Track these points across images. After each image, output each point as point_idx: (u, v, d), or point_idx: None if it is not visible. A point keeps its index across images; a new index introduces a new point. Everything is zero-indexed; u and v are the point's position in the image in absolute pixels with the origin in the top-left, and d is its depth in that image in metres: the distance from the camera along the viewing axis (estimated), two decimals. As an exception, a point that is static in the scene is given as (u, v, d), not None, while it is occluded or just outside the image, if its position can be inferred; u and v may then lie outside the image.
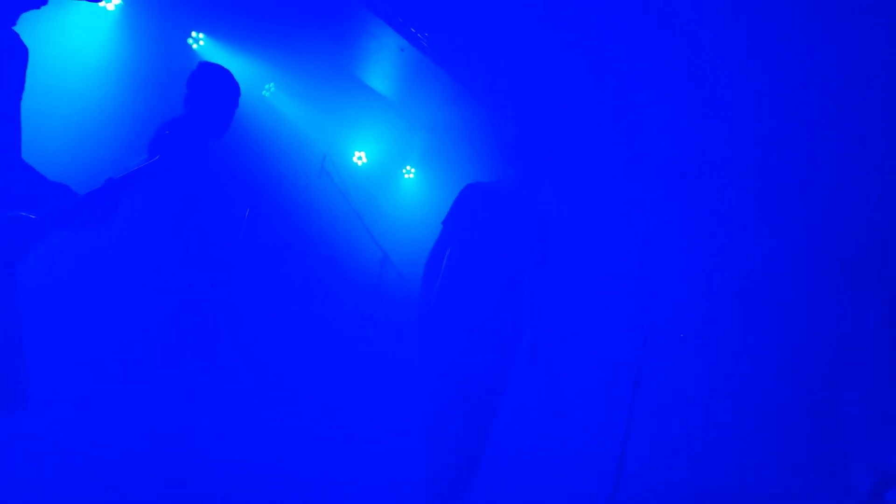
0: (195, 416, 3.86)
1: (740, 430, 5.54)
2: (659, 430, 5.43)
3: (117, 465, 3.39)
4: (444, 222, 3.82)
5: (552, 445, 5.67)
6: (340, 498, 4.08)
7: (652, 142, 5.75)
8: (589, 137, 6.13)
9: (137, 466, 3.44)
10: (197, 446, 3.85)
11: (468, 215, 3.77)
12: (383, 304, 5.62)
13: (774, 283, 5.81)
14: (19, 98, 2.32)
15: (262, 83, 5.60)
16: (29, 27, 2.34)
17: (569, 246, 6.01)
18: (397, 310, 5.88)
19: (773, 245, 5.84)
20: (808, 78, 4.44)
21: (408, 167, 6.87)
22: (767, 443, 5.46)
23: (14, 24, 2.29)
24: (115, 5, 4.66)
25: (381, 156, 6.65)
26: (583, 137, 6.16)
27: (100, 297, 3.71)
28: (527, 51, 5.38)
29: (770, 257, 5.85)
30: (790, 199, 5.53)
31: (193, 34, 5.12)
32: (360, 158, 6.44)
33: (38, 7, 2.31)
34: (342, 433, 4.95)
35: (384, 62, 5.69)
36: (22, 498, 2.94)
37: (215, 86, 3.77)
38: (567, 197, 6.44)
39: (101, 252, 3.73)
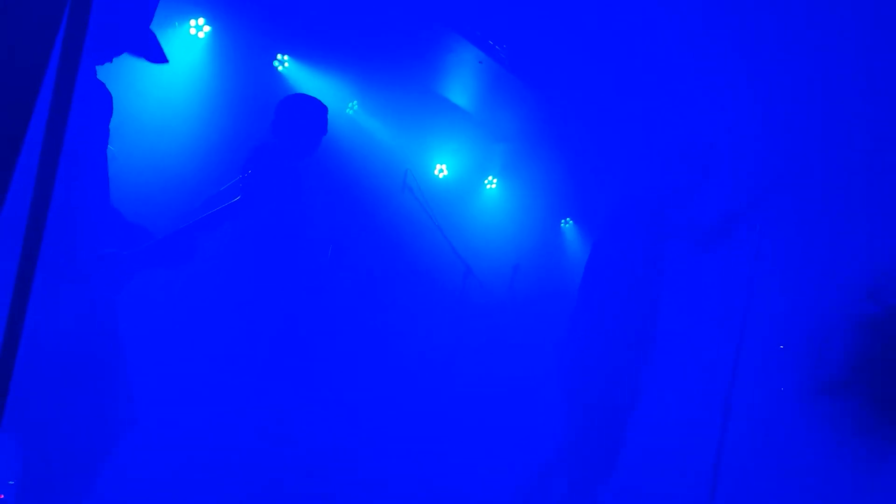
0: (302, 428, 3.96)
1: None
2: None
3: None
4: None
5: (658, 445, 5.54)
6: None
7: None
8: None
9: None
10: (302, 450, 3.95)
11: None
12: (467, 316, 5.63)
13: None
14: (106, 145, 2.40)
15: (346, 101, 5.71)
16: (112, 69, 2.39)
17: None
18: (481, 322, 5.89)
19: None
20: None
21: (489, 178, 6.87)
22: None
23: (104, 63, 2.35)
24: (206, 33, 4.86)
25: (462, 168, 6.67)
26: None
27: (194, 331, 3.84)
28: (600, 57, 5.33)
29: None
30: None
31: (279, 56, 5.28)
32: (441, 171, 6.48)
33: (103, 63, 2.35)
34: (431, 442, 4.99)
35: (463, 75, 5.72)
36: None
37: (304, 116, 3.87)
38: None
39: (191, 286, 3.87)
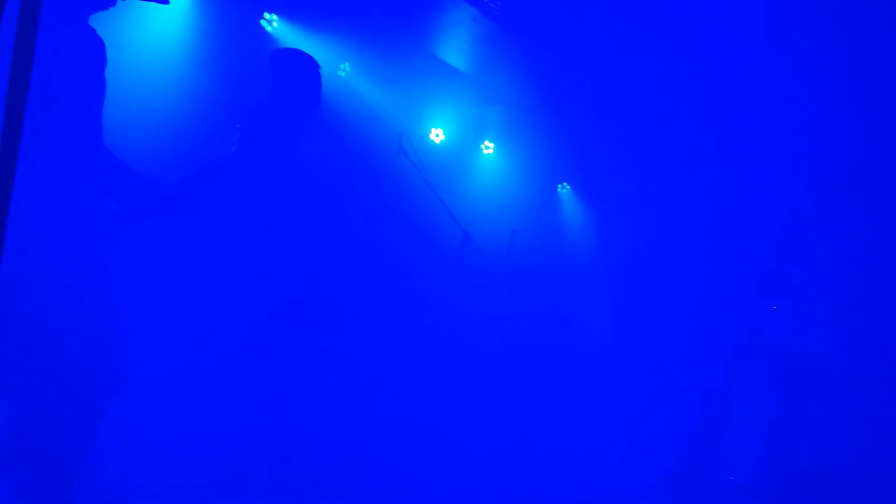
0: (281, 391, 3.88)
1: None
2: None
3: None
4: None
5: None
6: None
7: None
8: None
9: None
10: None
11: None
12: (466, 282, 5.54)
13: None
14: (103, 93, 2.34)
15: (338, 63, 5.54)
16: (105, 23, 2.34)
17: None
18: (480, 287, 5.79)
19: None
20: None
21: (486, 143, 6.73)
22: None
23: (108, 7, 2.32)
24: (190, -7, 4.67)
25: (458, 132, 6.52)
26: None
27: (191, 287, 3.74)
28: (596, 15, 5.19)
29: None
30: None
31: (266, 16, 5.10)
32: (437, 136, 6.33)
33: (107, 8, 2.34)
34: (426, 411, 4.93)
35: (457, 34, 5.55)
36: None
37: (298, 72, 3.74)
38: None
39: (192, 240, 3.76)
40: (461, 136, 6.55)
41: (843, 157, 5.10)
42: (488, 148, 6.74)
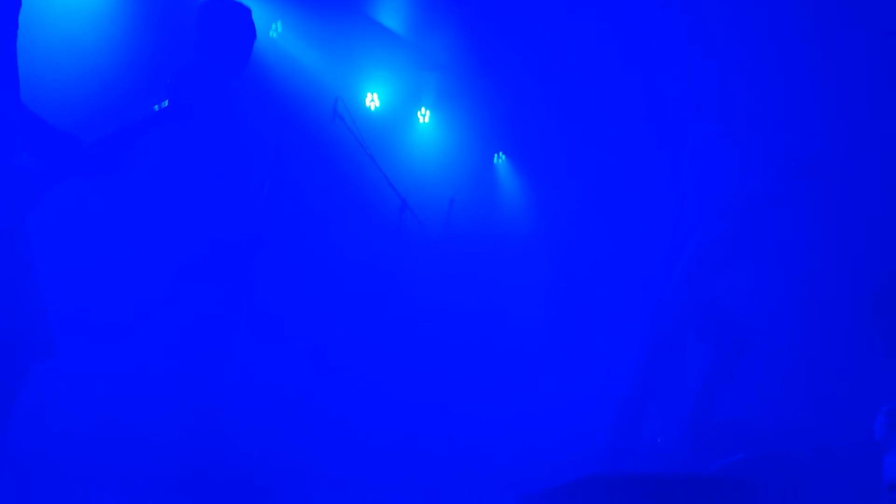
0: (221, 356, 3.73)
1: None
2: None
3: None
4: None
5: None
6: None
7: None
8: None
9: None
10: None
11: None
12: (405, 251, 5.45)
13: None
14: (14, 40, 2.15)
15: (269, 23, 5.31)
16: None
17: None
18: (419, 256, 5.71)
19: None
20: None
21: (422, 110, 6.60)
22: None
23: None
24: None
25: (394, 98, 6.37)
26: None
27: (114, 247, 3.53)
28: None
29: None
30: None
31: (192, -29, 4.83)
32: (372, 101, 6.16)
33: None
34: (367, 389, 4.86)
35: (394, -5, 5.42)
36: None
37: (231, 24, 3.53)
38: None
39: (117, 199, 3.54)
40: (397, 103, 6.41)
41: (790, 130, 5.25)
42: (424, 116, 6.62)
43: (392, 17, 5.63)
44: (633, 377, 5.37)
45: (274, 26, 5.37)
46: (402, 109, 6.47)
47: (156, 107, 2.73)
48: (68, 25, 4.21)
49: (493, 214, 6.93)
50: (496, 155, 7.11)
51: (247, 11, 3.57)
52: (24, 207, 2.21)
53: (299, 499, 3.90)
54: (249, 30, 3.55)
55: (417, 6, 5.49)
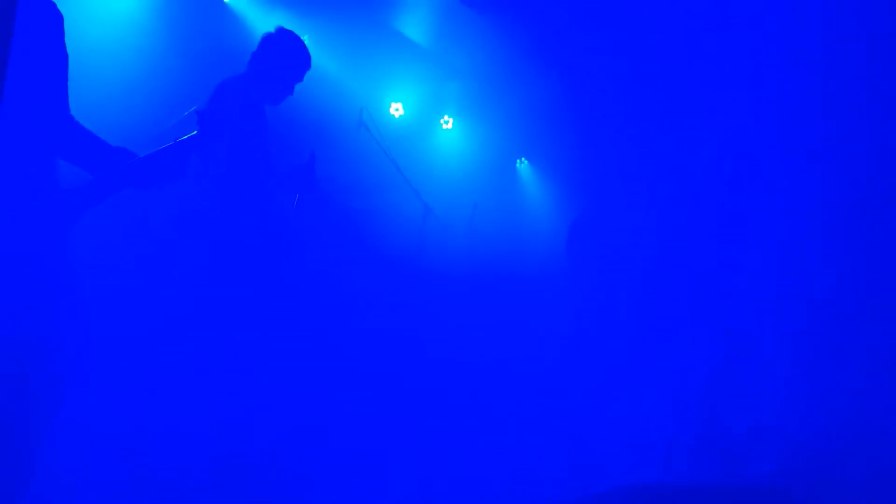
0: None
1: None
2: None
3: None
4: None
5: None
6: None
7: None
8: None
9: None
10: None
11: None
12: (428, 256, 5.56)
13: None
14: (66, 66, 2.26)
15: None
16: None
17: None
18: (443, 261, 5.82)
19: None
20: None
21: (445, 117, 6.74)
22: None
23: None
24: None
25: (418, 107, 6.52)
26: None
27: (155, 263, 3.69)
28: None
29: None
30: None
31: (224, -11, 5.03)
32: (396, 110, 6.32)
33: None
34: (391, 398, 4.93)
35: (417, 8, 5.55)
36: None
37: (292, 54, 3.78)
38: None
39: (163, 213, 3.71)
40: (421, 111, 6.56)
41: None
42: (447, 123, 6.76)
43: (415, 29, 5.78)
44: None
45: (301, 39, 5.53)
46: (425, 117, 6.62)
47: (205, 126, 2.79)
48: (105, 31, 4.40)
49: (516, 219, 7.03)
50: (519, 160, 7.22)
51: (303, 46, 3.83)
52: (71, 223, 2.29)
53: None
54: (306, 63, 3.81)
55: (440, 18, 5.62)
